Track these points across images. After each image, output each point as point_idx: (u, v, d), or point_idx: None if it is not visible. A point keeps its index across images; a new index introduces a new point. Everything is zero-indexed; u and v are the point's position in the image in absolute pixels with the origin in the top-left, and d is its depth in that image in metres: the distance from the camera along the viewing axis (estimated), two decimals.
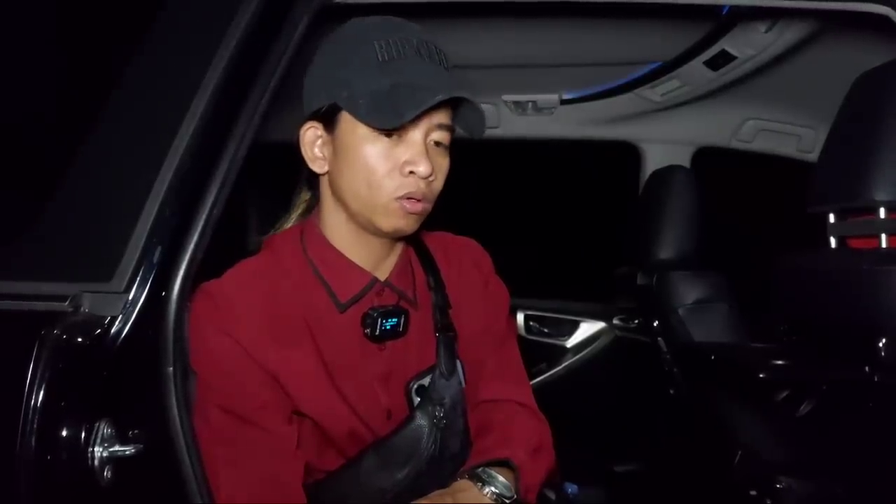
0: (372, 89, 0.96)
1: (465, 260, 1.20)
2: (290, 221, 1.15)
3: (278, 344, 1.01)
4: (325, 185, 1.07)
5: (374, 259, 1.08)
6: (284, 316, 1.03)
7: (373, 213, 1.00)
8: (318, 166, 1.05)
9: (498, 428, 1.14)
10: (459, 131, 1.06)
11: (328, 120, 1.02)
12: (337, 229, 1.07)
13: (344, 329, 1.05)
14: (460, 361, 1.14)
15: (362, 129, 0.99)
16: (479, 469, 1.07)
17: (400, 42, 0.99)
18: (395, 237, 1.06)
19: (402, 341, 1.09)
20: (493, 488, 1.04)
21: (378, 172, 0.98)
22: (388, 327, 1.06)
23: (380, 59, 0.97)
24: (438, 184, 1.03)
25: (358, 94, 0.97)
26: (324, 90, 1.01)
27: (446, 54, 1.03)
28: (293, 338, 1.03)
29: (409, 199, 0.99)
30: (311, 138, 1.04)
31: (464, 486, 1.05)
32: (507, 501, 1.05)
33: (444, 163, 1.03)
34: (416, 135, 0.99)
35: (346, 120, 1.00)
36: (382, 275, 1.09)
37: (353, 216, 1.04)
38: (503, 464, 1.08)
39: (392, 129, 0.97)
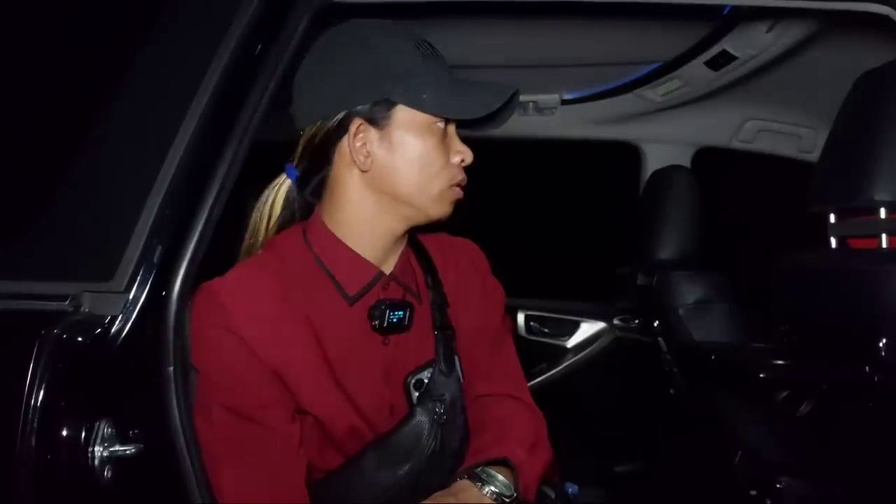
0: (430, 84, 1.01)
1: (461, 259, 1.22)
2: (268, 233, 1.12)
3: (282, 340, 1.01)
4: (352, 182, 1.05)
5: (382, 254, 1.09)
6: (288, 313, 1.03)
7: (427, 203, 1.05)
8: (363, 164, 1.03)
9: (494, 425, 1.14)
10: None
11: (373, 116, 1.02)
12: (352, 225, 1.06)
13: (349, 323, 1.06)
14: (458, 359, 1.15)
15: (420, 122, 1.02)
16: (479, 469, 1.07)
17: (426, 43, 1.04)
18: (430, 223, 1.10)
19: (404, 336, 1.10)
20: (492, 488, 1.04)
21: (437, 163, 1.04)
22: (394, 320, 1.07)
23: (422, 56, 1.02)
24: None
25: (418, 89, 1.01)
26: (365, 87, 1.01)
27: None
28: (297, 334, 1.03)
29: (458, 186, 1.07)
30: (358, 135, 1.03)
31: (464, 486, 1.05)
32: (507, 500, 1.05)
33: None
34: (453, 127, 1.06)
35: (402, 114, 1.02)
36: (388, 269, 1.10)
37: (397, 209, 1.05)
38: (501, 462, 1.08)
39: (458, 120, 1.05)
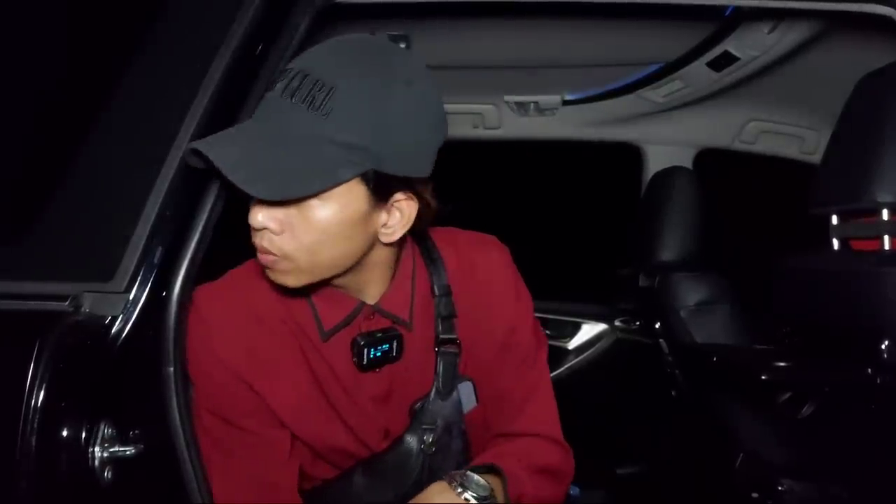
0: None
1: (478, 261, 1.08)
2: None
3: (262, 365, 0.99)
4: None
5: (356, 284, 0.99)
6: (274, 333, 1.00)
7: None
8: None
9: (498, 448, 1.08)
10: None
11: None
12: None
13: (335, 353, 1.01)
14: (470, 379, 1.09)
15: None
16: (456, 472, 1.00)
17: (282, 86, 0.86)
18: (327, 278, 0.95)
19: (400, 363, 1.04)
20: (469, 491, 0.97)
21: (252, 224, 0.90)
22: (378, 355, 1.00)
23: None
24: (291, 239, 0.88)
25: None
26: None
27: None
28: (283, 363, 1.00)
29: (261, 252, 0.90)
30: None
31: (437, 488, 0.99)
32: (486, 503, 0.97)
33: (309, 214, 0.86)
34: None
35: None
36: (372, 298, 1.01)
37: None
38: (491, 470, 1.02)
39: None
